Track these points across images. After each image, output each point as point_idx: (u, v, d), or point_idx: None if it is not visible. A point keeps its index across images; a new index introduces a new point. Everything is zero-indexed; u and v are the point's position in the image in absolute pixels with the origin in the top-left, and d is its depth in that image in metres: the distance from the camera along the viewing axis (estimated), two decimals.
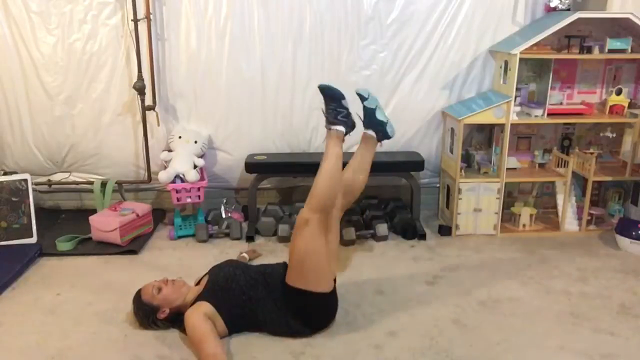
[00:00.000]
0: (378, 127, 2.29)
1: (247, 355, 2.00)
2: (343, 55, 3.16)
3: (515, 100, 2.97)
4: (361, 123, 2.32)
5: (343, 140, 2.17)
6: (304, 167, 3.16)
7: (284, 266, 2.21)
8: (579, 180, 3.26)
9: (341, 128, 2.14)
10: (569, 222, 3.15)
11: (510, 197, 3.37)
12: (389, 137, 2.34)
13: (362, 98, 2.27)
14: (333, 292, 2.14)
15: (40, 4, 3.03)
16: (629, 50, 2.94)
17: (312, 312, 2.10)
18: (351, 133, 2.25)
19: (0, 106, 3.23)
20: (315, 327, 2.12)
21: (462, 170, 3.11)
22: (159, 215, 3.37)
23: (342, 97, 2.16)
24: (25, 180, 2.95)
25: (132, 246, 2.93)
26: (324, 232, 2.06)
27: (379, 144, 2.35)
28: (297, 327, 2.08)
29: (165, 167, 3.07)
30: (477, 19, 3.12)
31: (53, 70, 3.15)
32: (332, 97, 2.15)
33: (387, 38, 3.14)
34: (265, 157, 3.21)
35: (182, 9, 3.07)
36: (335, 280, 2.17)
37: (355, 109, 2.27)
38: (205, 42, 3.11)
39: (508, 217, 3.25)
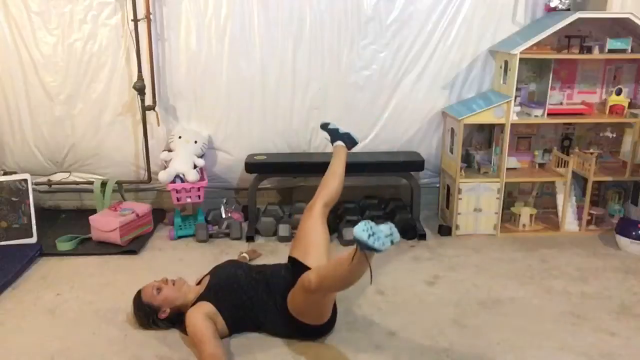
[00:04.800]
0: (344, 138, 2.84)
1: (247, 355, 2.00)
2: (343, 55, 3.17)
3: (515, 100, 2.97)
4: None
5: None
6: (303, 167, 3.16)
7: (285, 267, 2.21)
8: (579, 180, 3.26)
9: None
10: (569, 222, 3.15)
11: (510, 197, 3.37)
12: (356, 143, 2.88)
13: (326, 124, 2.90)
14: (333, 313, 2.11)
15: (40, 4, 3.03)
16: (629, 50, 2.94)
17: (311, 334, 2.09)
18: None
19: (0, 106, 3.23)
20: (314, 337, 2.11)
21: (462, 170, 3.11)
22: (159, 215, 3.36)
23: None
24: (25, 180, 2.95)
25: (132, 246, 2.93)
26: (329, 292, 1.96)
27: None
28: (297, 334, 2.08)
29: (165, 167, 3.07)
30: (477, 19, 3.12)
31: (53, 70, 3.15)
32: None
33: (387, 38, 3.14)
34: (265, 157, 3.21)
35: (182, 9, 3.07)
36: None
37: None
38: (205, 42, 3.11)
39: (508, 217, 3.25)
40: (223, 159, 3.37)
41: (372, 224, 1.63)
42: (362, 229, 1.60)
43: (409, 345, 2.06)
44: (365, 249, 1.65)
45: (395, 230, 1.67)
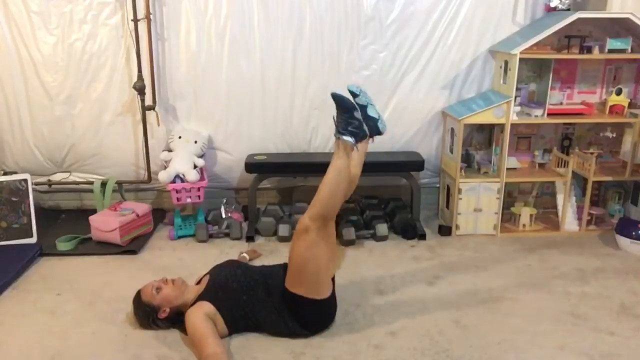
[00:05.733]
0: (369, 123, 2.19)
1: (247, 355, 2.00)
2: (343, 55, 3.17)
3: (515, 100, 2.97)
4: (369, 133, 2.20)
5: (352, 150, 2.08)
6: (303, 167, 3.16)
7: (284, 267, 2.20)
8: (579, 180, 3.26)
9: (350, 139, 2.04)
10: (569, 222, 3.15)
11: (510, 197, 3.37)
12: (380, 133, 2.22)
13: (354, 95, 2.16)
14: (331, 296, 2.13)
15: (40, 4, 3.03)
16: (629, 50, 2.94)
17: (311, 317, 2.10)
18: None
19: (0, 106, 3.23)
20: (314, 330, 2.12)
21: (462, 170, 3.11)
22: (159, 215, 3.36)
23: (355, 108, 2.06)
24: (25, 180, 2.95)
25: (132, 246, 2.93)
26: (325, 240, 2.05)
27: (370, 139, 2.24)
28: (296, 329, 2.08)
29: (165, 167, 3.07)
30: (477, 19, 3.12)
31: (53, 70, 3.15)
32: (345, 108, 2.04)
33: (387, 38, 3.14)
34: (265, 157, 3.21)
35: (182, 9, 3.07)
36: (333, 280, 2.17)
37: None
38: (205, 42, 3.11)
39: (508, 217, 3.25)
40: (223, 159, 3.37)
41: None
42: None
43: (409, 345, 2.06)
44: (341, 123, 2.01)
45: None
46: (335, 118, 2.09)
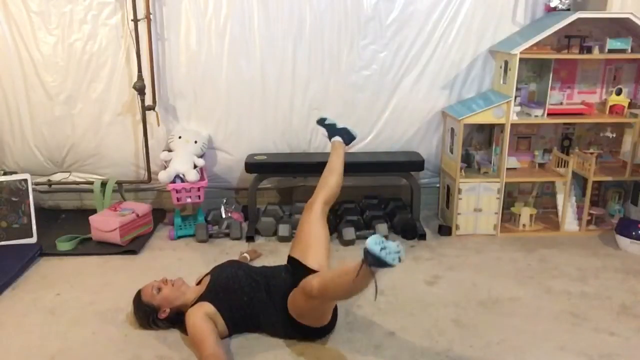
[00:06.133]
0: (343, 133, 2.78)
1: (247, 355, 2.01)
2: (343, 55, 3.17)
3: (515, 100, 2.97)
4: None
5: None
6: (303, 167, 3.16)
7: (285, 269, 2.21)
8: (579, 180, 3.26)
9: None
10: (569, 222, 3.15)
11: (510, 197, 3.37)
12: (354, 138, 2.81)
13: (323, 120, 2.84)
14: (333, 315, 2.10)
15: (40, 4, 3.03)
16: (629, 50, 2.94)
17: (312, 334, 2.09)
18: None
19: (0, 106, 3.23)
20: (315, 337, 2.11)
21: (462, 170, 3.11)
22: (159, 215, 3.36)
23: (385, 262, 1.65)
24: (25, 180, 2.95)
25: (132, 246, 2.93)
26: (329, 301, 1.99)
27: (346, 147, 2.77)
28: (296, 333, 2.08)
29: (165, 167, 3.07)
30: (477, 19, 3.12)
31: (53, 70, 3.15)
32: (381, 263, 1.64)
33: (387, 38, 3.14)
34: (265, 157, 3.21)
35: (182, 9, 3.07)
36: None
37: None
38: (205, 42, 3.11)
39: (508, 217, 3.25)
40: (223, 159, 3.37)
41: (383, 238, 1.62)
42: (374, 242, 1.59)
43: (409, 345, 2.06)
44: (373, 265, 1.62)
45: (402, 249, 1.63)
46: (365, 253, 1.68)
